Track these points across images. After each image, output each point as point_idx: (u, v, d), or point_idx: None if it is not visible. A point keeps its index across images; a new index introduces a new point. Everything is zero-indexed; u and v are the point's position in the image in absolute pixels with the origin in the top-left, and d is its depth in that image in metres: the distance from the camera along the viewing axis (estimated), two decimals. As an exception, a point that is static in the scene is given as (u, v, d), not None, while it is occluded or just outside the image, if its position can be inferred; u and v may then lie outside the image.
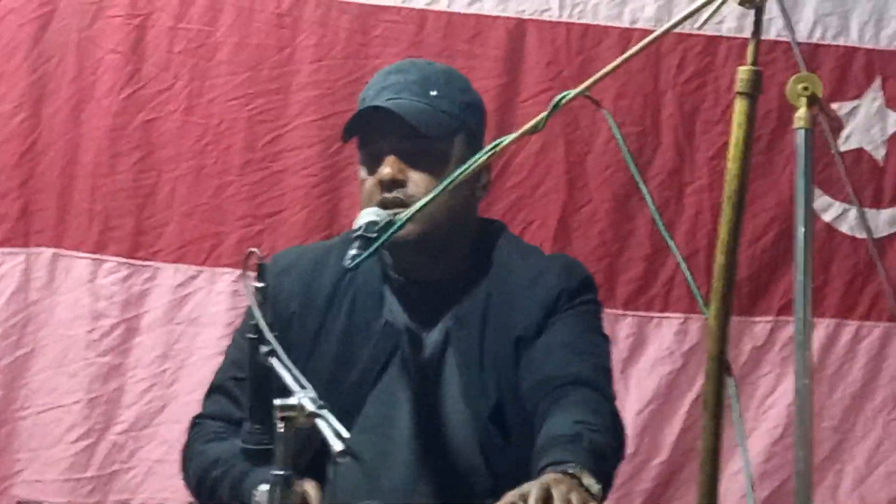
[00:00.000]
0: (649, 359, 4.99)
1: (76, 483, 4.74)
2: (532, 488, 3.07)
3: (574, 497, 3.04)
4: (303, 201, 4.85)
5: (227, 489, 3.53)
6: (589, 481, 3.17)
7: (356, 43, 4.89)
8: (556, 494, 3.05)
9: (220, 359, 3.81)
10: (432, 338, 3.66)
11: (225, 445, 3.58)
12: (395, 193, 3.54)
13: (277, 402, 2.73)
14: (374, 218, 3.48)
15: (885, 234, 5.07)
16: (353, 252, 3.40)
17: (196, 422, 3.74)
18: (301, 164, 4.86)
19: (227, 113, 4.85)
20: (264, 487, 3.11)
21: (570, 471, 3.18)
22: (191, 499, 3.68)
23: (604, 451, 3.32)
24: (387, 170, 3.55)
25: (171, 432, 4.54)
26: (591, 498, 3.14)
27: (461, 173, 3.26)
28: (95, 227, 4.82)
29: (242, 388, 3.29)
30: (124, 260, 4.81)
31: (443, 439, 3.63)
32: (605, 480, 3.27)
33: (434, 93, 3.63)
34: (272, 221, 4.84)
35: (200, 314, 4.78)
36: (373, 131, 3.62)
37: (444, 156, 3.51)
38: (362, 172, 3.64)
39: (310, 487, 3.25)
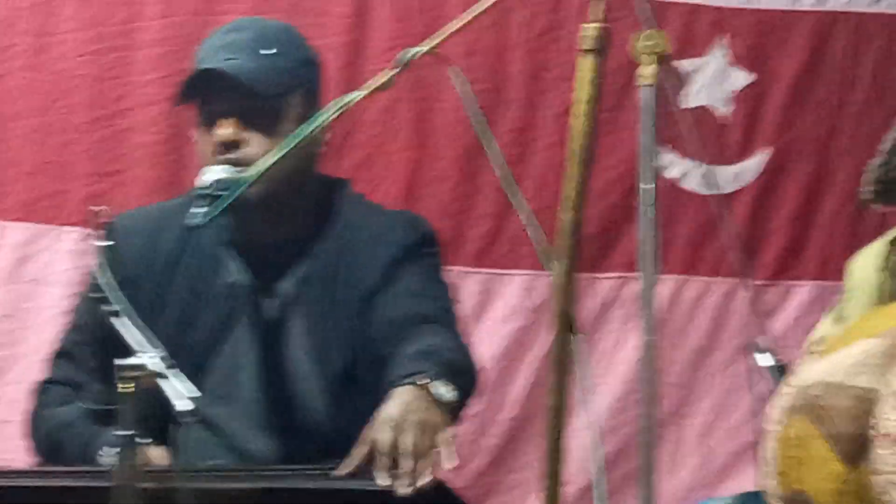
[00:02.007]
0: (497, 315, 5.03)
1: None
2: (377, 430, 3.12)
3: (421, 441, 3.09)
4: (149, 159, 4.84)
5: (74, 451, 3.54)
6: (440, 390, 3.23)
7: (194, 6, 4.88)
8: (402, 447, 3.09)
9: (66, 318, 3.81)
10: (277, 298, 3.72)
11: (71, 409, 3.59)
12: (232, 154, 3.56)
13: (119, 362, 2.72)
14: (222, 175, 3.51)
15: (730, 190, 5.13)
16: (199, 210, 3.42)
17: (42, 387, 3.75)
18: (147, 121, 4.85)
19: (72, 70, 4.82)
20: (109, 449, 3.12)
21: (420, 382, 3.23)
22: (35, 461, 3.68)
23: (457, 366, 3.40)
24: (223, 131, 3.59)
25: (17, 392, 4.48)
26: (443, 408, 3.18)
27: (310, 131, 3.28)
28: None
29: (87, 353, 3.28)
30: (-36, 220, 4.78)
31: (290, 398, 3.69)
32: (460, 397, 3.33)
33: (269, 51, 3.68)
34: (118, 179, 4.83)
35: (46, 273, 4.76)
36: (208, 92, 3.65)
37: (281, 114, 3.56)
38: (198, 133, 3.67)
39: (154, 449, 3.25)
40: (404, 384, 3.25)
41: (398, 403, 3.21)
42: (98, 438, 3.46)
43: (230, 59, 3.63)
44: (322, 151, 3.77)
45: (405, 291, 3.67)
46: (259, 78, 3.61)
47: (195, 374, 3.58)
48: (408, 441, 3.15)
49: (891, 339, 3.29)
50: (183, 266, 3.73)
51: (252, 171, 3.46)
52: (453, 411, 3.30)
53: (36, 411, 3.73)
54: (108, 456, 3.34)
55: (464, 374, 3.45)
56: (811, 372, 3.41)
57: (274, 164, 3.38)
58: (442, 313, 3.67)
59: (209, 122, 3.65)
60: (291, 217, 3.74)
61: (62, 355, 3.74)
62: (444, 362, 3.36)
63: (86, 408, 3.19)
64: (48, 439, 3.66)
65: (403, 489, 3.11)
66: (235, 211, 3.59)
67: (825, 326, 4.45)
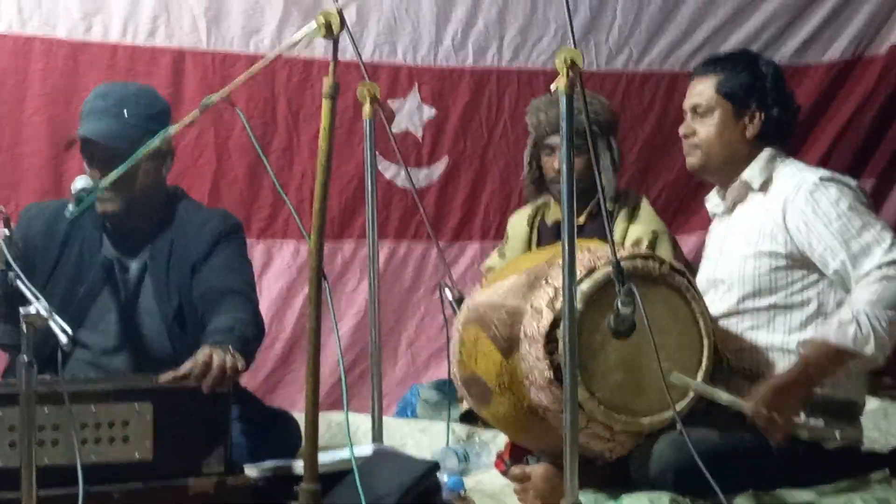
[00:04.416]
0: (276, 270, 4.98)
1: None
2: (199, 354, 3.10)
3: (227, 359, 3.08)
4: (36, 173, 4.66)
5: None
6: (236, 358, 3.19)
7: (70, 66, 4.71)
8: (216, 357, 3.07)
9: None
10: (135, 266, 3.68)
11: None
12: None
13: (21, 310, 2.66)
14: (83, 185, 3.48)
15: (423, 185, 5.15)
16: (70, 207, 3.40)
17: None
18: (34, 148, 4.67)
19: (-19, 115, 4.66)
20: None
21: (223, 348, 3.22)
22: None
23: (248, 336, 3.39)
24: (91, 174, 3.55)
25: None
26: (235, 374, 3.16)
27: (138, 154, 3.28)
28: None
29: None
30: None
31: (141, 330, 3.65)
32: (249, 355, 3.33)
33: (126, 112, 3.62)
34: (16, 188, 4.64)
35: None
36: (86, 143, 3.60)
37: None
38: (84, 164, 3.64)
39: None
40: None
41: (209, 348, 3.20)
42: None
43: (98, 121, 3.58)
44: (166, 172, 3.73)
45: (219, 266, 3.65)
46: (117, 137, 3.55)
47: (80, 314, 3.56)
48: (217, 360, 3.13)
49: (528, 275, 3.33)
50: (73, 242, 3.68)
51: (104, 182, 3.41)
52: (246, 357, 3.28)
53: None
54: None
55: (253, 340, 3.45)
56: (480, 296, 3.43)
57: (121, 177, 3.36)
58: (244, 286, 3.64)
59: (88, 161, 3.61)
60: (145, 214, 3.68)
61: None
62: (240, 336, 3.33)
63: None
64: None
65: (213, 387, 3.09)
66: (106, 218, 3.62)
67: (493, 258, 4.53)
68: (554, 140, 4.08)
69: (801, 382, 3.24)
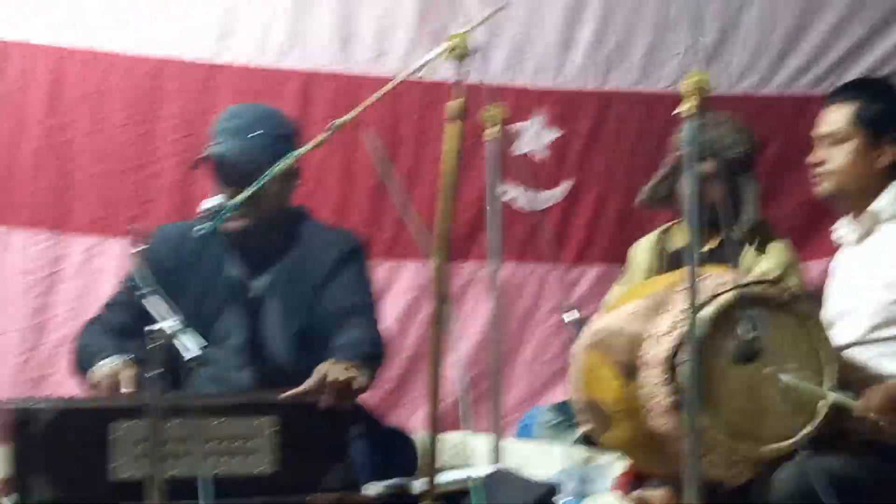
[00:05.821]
0: (399, 289, 5.00)
1: (21, 382, 4.62)
2: (319, 369, 3.11)
3: (350, 375, 3.09)
4: (168, 193, 4.76)
5: (80, 363, 3.57)
6: (358, 375, 3.20)
7: (202, 88, 4.79)
8: (331, 374, 3.08)
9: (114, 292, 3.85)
10: (259, 285, 3.71)
11: (91, 338, 3.64)
12: None
13: (147, 327, 2.70)
14: (213, 204, 3.52)
15: (543, 207, 5.12)
16: (202, 225, 3.42)
17: (86, 322, 3.76)
18: (167, 169, 4.76)
19: (117, 135, 4.74)
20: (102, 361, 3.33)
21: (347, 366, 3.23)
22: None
23: (370, 354, 3.39)
24: (223, 193, 3.57)
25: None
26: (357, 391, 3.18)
27: (269, 174, 3.30)
28: (28, 211, 4.70)
29: (120, 308, 3.53)
30: (50, 233, 4.68)
31: (265, 348, 3.68)
32: (371, 373, 3.34)
33: (254, 133, 3.65)
34: (148, 207, 4.74)
35: (100, 269, 4.68)
36: (215, 162, 3.67)
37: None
38: (214, 183, 3.70)
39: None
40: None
41: (325, 364, 3.26)
42: (98, 354, 3.49)
43: (228, 141, 3.64)
44: (291, 191, 3.76)
45: (343, 286, 3.67)
46: (247, 156, 3.59)
47: (206, 331, 3.60)
48: (336, 376, 3.14)
49: (652, 300, 3.28)
50: (200, 262, 3.72)
51: (234, 201, 3.44)
52: (368, 375, 3.34)
53: (77, 336, 3.73)
54: (98, 365, 3.42)
55: (375, 359, 3.49)
56: (601, 321, 3.39)
57: (247, 197, 3.38)
58: (366, 306, 3.67)
59: (218, 181, 3.66)
60: (269, 233, 3.71)
61: (107, 306, 3.75)
62: (362, 354, 3.37)
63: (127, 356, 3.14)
64: (75, 355, 3.63)
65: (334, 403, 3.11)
66: (230, 234, 3.64)
67: (616, 289, 4.46)
68: (702, 165, 3.96)
69: None
